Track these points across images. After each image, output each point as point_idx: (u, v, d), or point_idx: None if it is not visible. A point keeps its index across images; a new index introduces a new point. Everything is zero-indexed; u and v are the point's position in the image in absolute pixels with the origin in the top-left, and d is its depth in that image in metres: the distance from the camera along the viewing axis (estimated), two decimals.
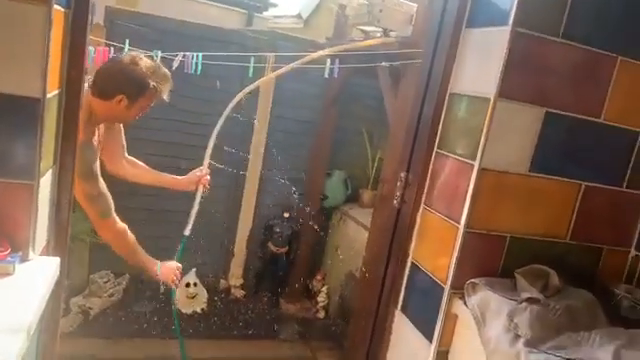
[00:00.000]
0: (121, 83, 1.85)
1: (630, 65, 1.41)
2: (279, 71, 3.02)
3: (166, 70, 1.96)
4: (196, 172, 2.51)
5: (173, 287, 2.22)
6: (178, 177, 2.51)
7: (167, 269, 2.14)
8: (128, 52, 2.51)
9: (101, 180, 1.88)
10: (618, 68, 1.40)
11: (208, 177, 2.53)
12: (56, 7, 1.01)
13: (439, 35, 1.59)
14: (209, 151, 2.62)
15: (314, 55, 3.09)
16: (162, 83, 1.93)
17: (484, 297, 1.34)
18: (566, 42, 1.35)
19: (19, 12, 0.96)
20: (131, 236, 2.02)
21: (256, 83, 2.89)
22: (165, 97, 1.97)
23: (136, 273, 3.72)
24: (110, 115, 1.91)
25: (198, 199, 2.55)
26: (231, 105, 2.74)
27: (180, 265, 2.23)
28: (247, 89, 2.80)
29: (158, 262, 2.12)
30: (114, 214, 1.94)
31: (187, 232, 2.53)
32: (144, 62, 1.89)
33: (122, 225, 1.98)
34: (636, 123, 1.48)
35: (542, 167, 1.42)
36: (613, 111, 1.44)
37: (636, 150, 1.50)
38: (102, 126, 1.99)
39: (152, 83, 1.88)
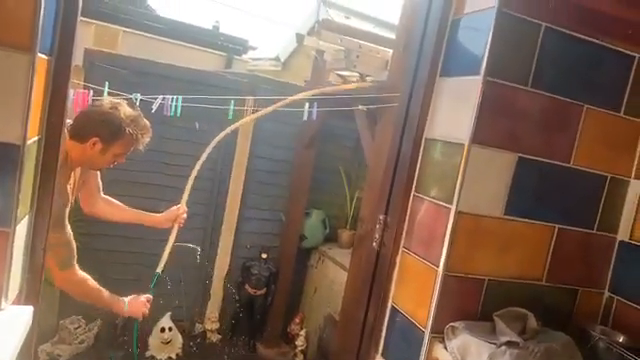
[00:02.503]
0: (97, 126, 1.84)
1: (595, 113, 1.48)
2: (260, 112, 3.08)
3: (147, 122, 1.96)
4: (173, 210, 2.50)
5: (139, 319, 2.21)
6: (154, 214, 2.49)
7: (135, 305, 2.12)
8: (107, 95, 2.52)
9: (68, 228, 1.83)
10: (585, 115, 1.47)
11: (185, 215, 2.52)
12: (39, 55, 1.02)
13: (414, 83, 1.64)
14: (188, 190, 2.62)
15: (296, 97, 3.17)
16: (141, 133, 1.92)
17: (464, 341, 1.34)
18: (535, 91, 1.41)
19: (1, 59, 0.97)
20: (92, 283, 1.96)
21: (236, 124, 2.93)
22: (140, 147, 1.96)
23: (108, 318, 3.61)
24: (84, 159, 1.88)
25: (173, 237, 2.53)
26: (210, 148, 2.77)
27: (150, 296, 2.21)
28: (227, 130, 2.84)
29: (125, 300, 2.09)
30: (75, 264, 1.88)
31: (159, 269, 2.50)
32: (125, 109, 1.89)
33: (82, 275, 1.92)
34: (604, 167, 1.54)
35: (516, 210, 1.46)
36: (582, 156, 1.49)
37: (605, 194, 1.55)
38: (79, 170, 1.97)
39: (128, 130, 1.87)
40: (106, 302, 2.04)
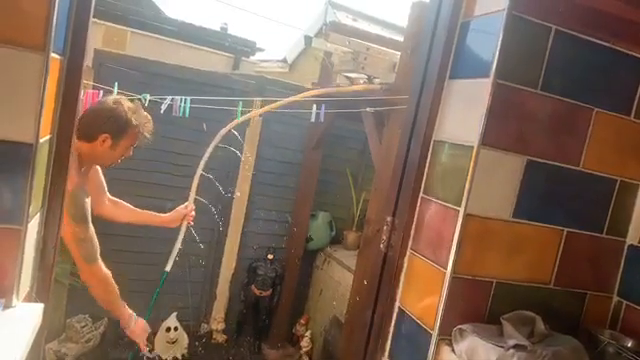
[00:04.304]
0: (105, 122, 1.89)
1: (606, 116, 1.48)
2: (269, 107, 3.09)
3: (145, 113, 2.03)
4: (181, 209, 2.52)
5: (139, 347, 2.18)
6: (162, 214, 2.51)
7: (140, 328, 2.12)
8: (115, 95, 2.55)
9: (91, 224, 1.88)
10: (594, 119, 1.47)
11: (193, 213, 2.54)
12: (52, 55, 1.03)
13: (423, 85, 1.64)
14: (194, 187, 2.63)
15: (303, 95, 3.19)
16: (144, 122, 1.99)
17: (471, 344, 1.34)
18: (545, 94, 1.41)
19: (16, 59, 0.98)
20: (113, 284, 2.00)
21: (243, 118, 2.94)
22: (147, 136, 2.01)
23: (115, 317, 3.62)
24: (95, 156, 1.93)
25: (182, 235, 2.55)
26: (217, 138, 2.78)
27: (149, 329, 2.20)
28: (233, 123, 2.85)
29: (134, 315, 2.10)
30: (99, 260, 1.93)
31: (168, 268, 2.51)
32: (126, 103, 1.96)
33: (106, 272, 1.96)
34: (613, 171, 1.53)
35: (525, 213, 1.45)
36: (591, 159, 1.49)
37: (614, 197, 1.54)
38: (83, 169, 2.00)
39: (134, 121, 1.92)
40: (118, 308, 2.06)
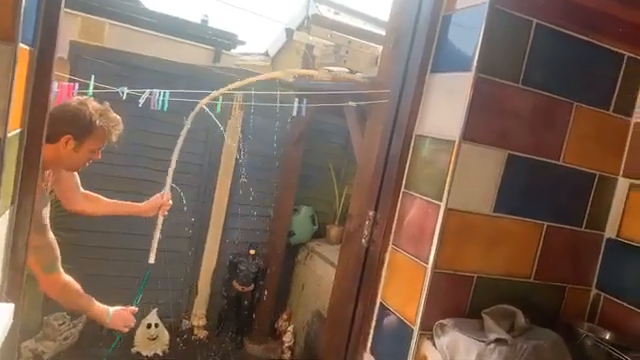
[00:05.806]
0: (67, 123, 1.81)
1: (585, 110, 1.48)
2: (239, 83, 3.02)
3: (115, 114, 1.94)
4: (157, 197, 2.47)
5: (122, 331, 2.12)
6: (138, 204, 2.46)
7: (118, 316, 2.05)
8: (93, 89, 2.49)
9: (50, 231, 1.80)
10: (574, 113, 1.47)
11: (170, 202, 2.49)
12: (21, 45, 0.99)
13: (404, 79, 1.63)
14: (170, 175, 2.57)
15: (275, 74, 3.14)
16: (112, 125, 1.91)
17: (453, 338, 1.34)
18: (526, 88, 1.41)
19: None
20: (76, 287, 1.92)
21: (216, 92, 2.85)
22: (114, 139, 1.94)
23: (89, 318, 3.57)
24: (58, 159, 1.83)
25: (159, 226, 2.50)
26: (190, 118, 2.70)
27: (135, 309, 2.13)
28: (206, 99, 2.78)
29: (110, 309, 2.03)
30: (60, 268, 1.85)
31: (152, 260, 2.46)
32: (93, 104, 1.88)
33: (66, 278, 1.89)
34: (593, 165, 1.54)
35: (505, 208, 1.45)
36: (571, 154, 1.49)
37: (593, 191, 1.56)
38: (48, 171, 1.94)
39: (99, 123, 1.85)
40: (89, 310, 2.00)
